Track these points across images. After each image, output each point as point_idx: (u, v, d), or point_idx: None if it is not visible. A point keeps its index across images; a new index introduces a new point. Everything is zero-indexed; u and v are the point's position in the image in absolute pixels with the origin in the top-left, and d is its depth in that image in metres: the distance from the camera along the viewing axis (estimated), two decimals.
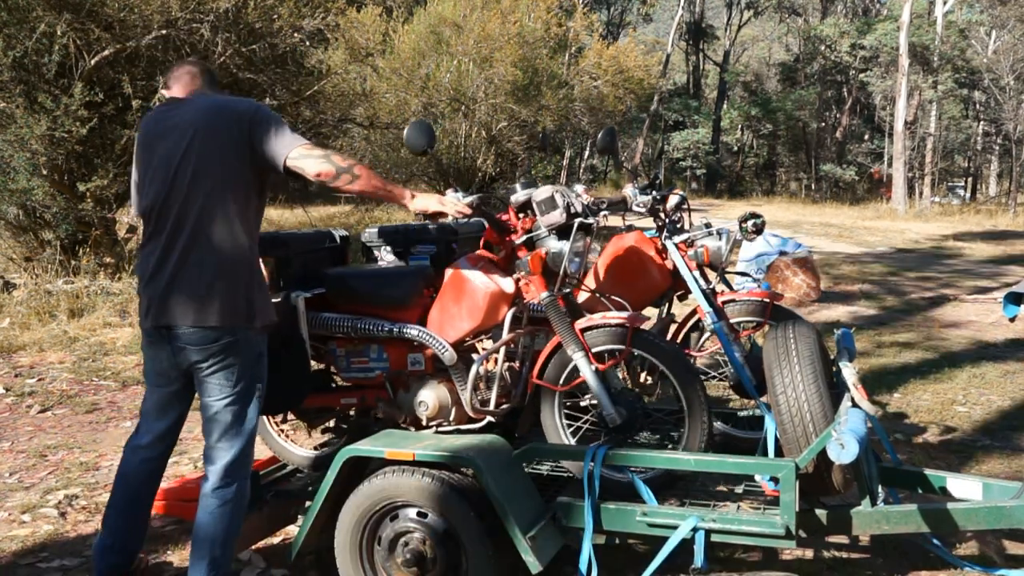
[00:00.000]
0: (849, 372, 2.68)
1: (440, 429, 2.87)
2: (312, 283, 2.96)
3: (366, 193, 2.54)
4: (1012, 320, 2.76)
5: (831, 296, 8.90)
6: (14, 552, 3.10)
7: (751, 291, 3.59)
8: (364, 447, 2.59)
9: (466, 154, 15.91)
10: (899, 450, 3.94)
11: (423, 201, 2.59)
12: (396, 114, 14.85)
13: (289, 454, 3.20)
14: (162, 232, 2.43)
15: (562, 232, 2.77)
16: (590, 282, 3.45)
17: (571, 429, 2.86)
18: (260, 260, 2.56)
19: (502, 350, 2.81)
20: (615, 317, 2.75)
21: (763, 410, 3.06)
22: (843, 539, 3.04)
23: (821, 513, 2.53)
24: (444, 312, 2.82)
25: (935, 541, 2.79)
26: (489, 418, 2.82)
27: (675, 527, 2.47)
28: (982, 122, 33.12)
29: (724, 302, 3.41)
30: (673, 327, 3.65)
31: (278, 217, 15.55)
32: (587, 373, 2.68)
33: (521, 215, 2.86)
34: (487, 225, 2.88)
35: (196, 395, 2.56)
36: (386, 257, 3.31)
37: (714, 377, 3.80)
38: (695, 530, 2.44)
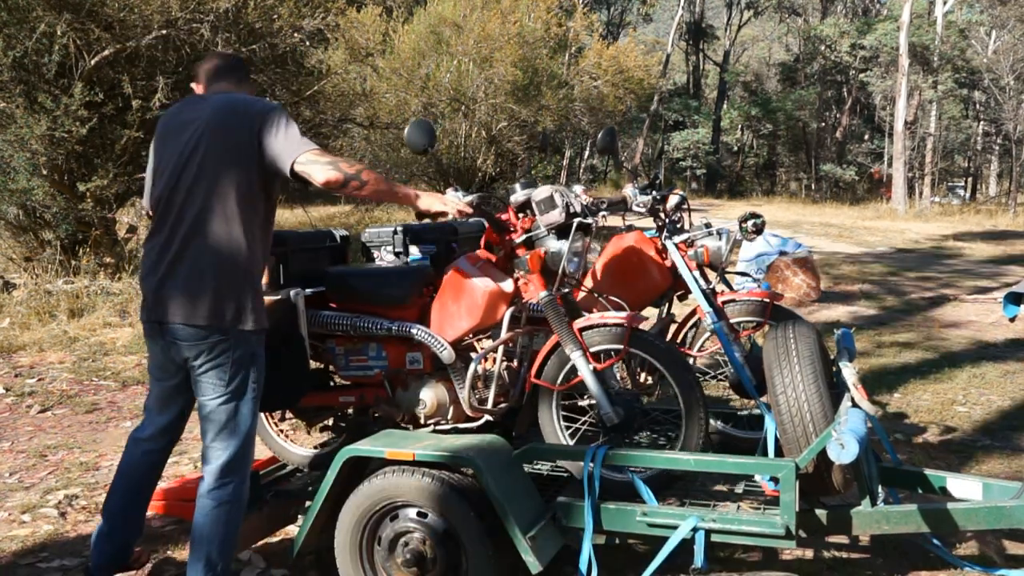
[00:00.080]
0: (849, 372, 2.68)
1: (438, 428, 2.87)
2: (312, 281, 2.97)
3: (374, 197, 2.54)
4: (1012, 320, 2.76)
5: (831, 296, 8.90)
6: (14, 552, 3.10)
7: (751, 291, 3.59)
8: (364, 447, 2.59)
9: (466, 154, 15.92)
10: (899, 450, 3.94)
11: (427, 200, 2.59)
12: (396, 114, 14.85)
13: (288, 454, 3.20)
14: (164, 227, 2.44)
15: (561, 232, 2.77)
16: (590, 282, 3.45)
17: (569, 430, 2.86)
18: (260, 264, 2.53)
19: (500, 349, 2.81)
20: (613, 317, 2.75)
21: (763, 410, 3.06)
22: (843, 539, 3.04)
23: (821, 513, 2.53)
24: (443, 311, 2.82)
25: (935, 541, 2.79)
26: (487, 417, 2.83)
27: (675, 527, 2.47)
28: (982, 122, 33.13)
29: (724, 302, 3.41)
30: (673, 327, 3.65)
31: (278, 217, 15.48)
32: (585, 372, 2.69)
33: (520, 215, 2.86)
34: (487, 225, 2.89)
35: None
36: (386, 257, 3.31)
37: (714, 377, 3.80)
38: (695, 530, 2.44)
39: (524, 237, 2.81)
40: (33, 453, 4.19)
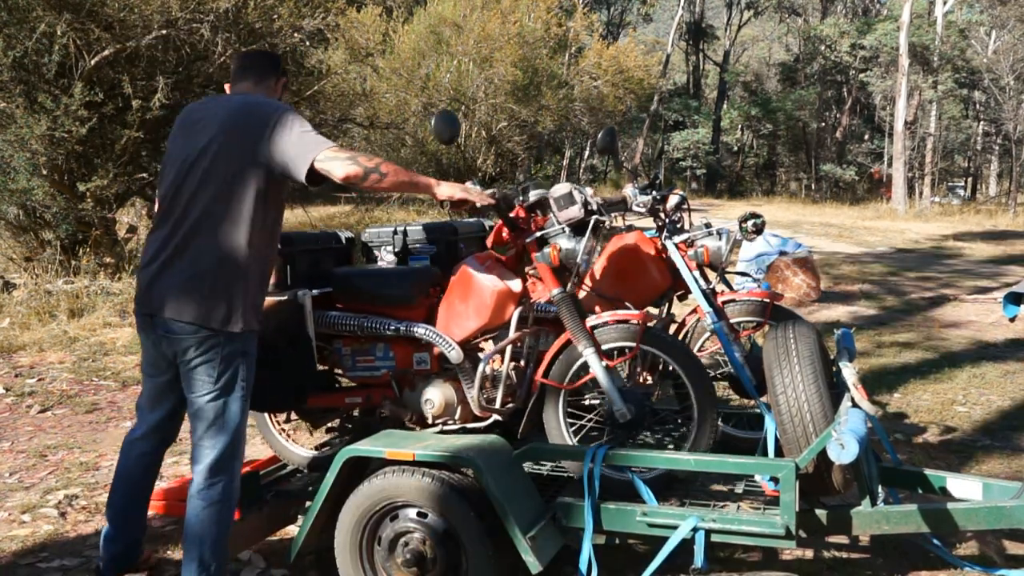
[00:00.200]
0: (849, 372, 2.68)
1: (445, 428, 2.87)
2: (319, 282, 2.97)
3: (394, 189, 2.53)
4: (1012, 320, 2.76)
5: (831, 296, 8.90)
6: (14, 552, 3.10)
7: (751, 291, 3.59)
8: (364, 447, 2.59)
9: (466, 154, 15.93)
10: (899, 450, 3.94)
11: (448, 189, 2.58)
12: (396, 114, 14.87)
13: (290, 454, 3.20)
14: (167, 222, 2.45)
15: (575, 230, 2.78)
16: (590, 282, 3.45)
17: (573, 428, 2.87)
18: (259, 268, 2.51)
19: (508, 349, 2.81)
20: (626, 314, 2.76)
21: (763, 410, 3.06)
22: (843, 539, 3.04)
23: (821, 513, 2.53)
24: (451, 311, 2.83)
25: (935, 541, 2.79)
26: (496, 417, 2.83)
27: (675, 527, 2.47)
28: (982, 122, 33.14)
29: (724, 302, 3.41)
30: (673, 327, 3.65)
31: None
32: (597, 369, 2.69)
33: (531, 214, 2.87)
34: (497, 223, 2.89)
35: None
36: (386, 257, 3.31)
37: (714, 377, 3.80)
38: (695, 530, 2.44)
39: (539, 234, 2.82)
40: (33, 453, 4.19)
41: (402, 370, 2.92)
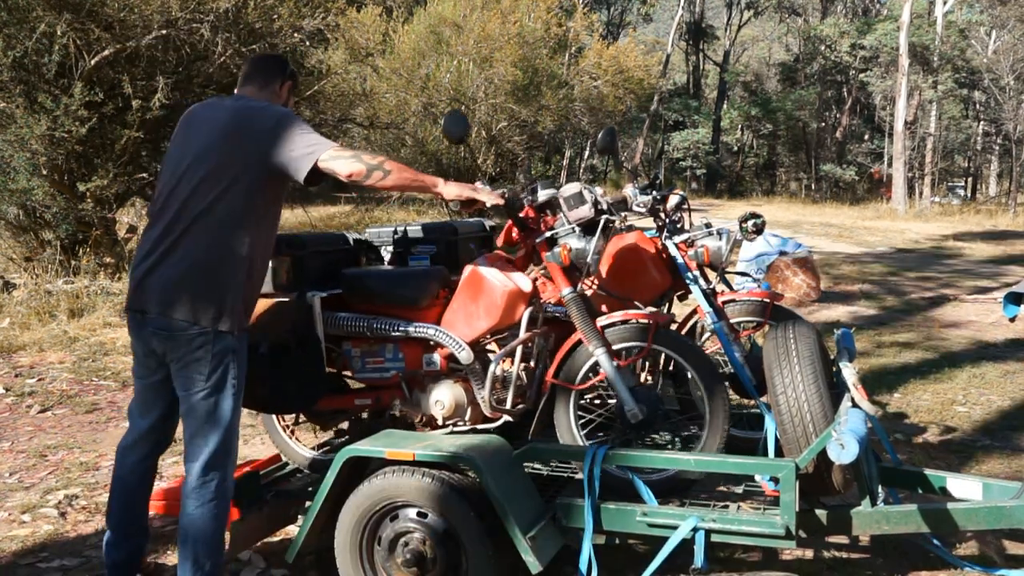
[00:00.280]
0: (849, 372, 2.68)
1: (455, 429, 2.87)
2: (328, 283, 2.96)
3: (398, 187, 2.52)
4: (1012, 320, 2.76)
5: (831, 296, 8.90)
6: (14, 552, 3.11)
7: (751, 291, 3.59)
8: (364, 447, 2.59)
9: (466, 154, 15.92)
10: (899, 450, 3.94)
11: (456, 188, 2.57)
12: (396, 114, 14.87)
13: (295, 453, 3.19)
14: (162, 220, 2.45)
15: (585, 229, 2.78)
16: (589, 282, 3.45)
17: (584, 431, 2.87)
18: (252, 269, 2.50)
19: (519, 349, 2.80)
20: (638, 314, 2.76)
21: (763, 410, 3.06)
22: (843, 539, 3.04)
23: (821, 513, 2.53)
24: (461, 311, 2.82)
25: (935, 541, 2.79)
26: (506, 417, 2.82)
27: (675, 527, 2.47)
28: (982, 122, 33.14)
29: (724, 302, 3.41)
30: (673, 327, 3.64)
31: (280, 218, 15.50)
32: (608, 369, 2.68)
33: (541, 214, 2.87)
34: (506, 223, 2.89)
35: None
36: (385, 257, 3.31)
37: None
38: (695, 530, 2.44)
39: (549, 234, 2.82)
40: (33, 453, 4.19)
41: (412, 371, 2.91)
